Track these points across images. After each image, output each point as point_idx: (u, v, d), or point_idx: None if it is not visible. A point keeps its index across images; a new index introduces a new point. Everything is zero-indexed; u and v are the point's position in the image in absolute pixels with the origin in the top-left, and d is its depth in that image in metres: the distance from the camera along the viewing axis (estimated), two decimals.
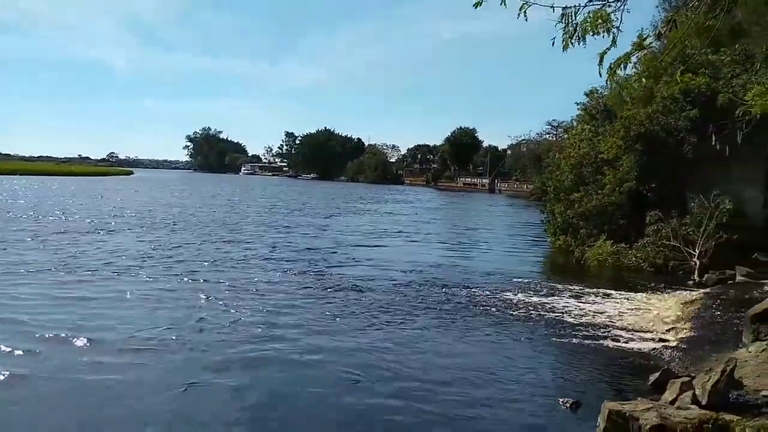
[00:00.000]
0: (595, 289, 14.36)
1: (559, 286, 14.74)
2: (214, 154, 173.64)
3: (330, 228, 29.26)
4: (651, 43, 6.13)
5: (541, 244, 25.27)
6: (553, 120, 75.25)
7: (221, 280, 14.11)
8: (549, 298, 13.31)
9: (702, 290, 13.96)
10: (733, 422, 5.30)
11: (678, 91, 18.04)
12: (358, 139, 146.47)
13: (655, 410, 5.53)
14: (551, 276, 16.79)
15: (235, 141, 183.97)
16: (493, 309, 12.16)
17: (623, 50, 5.52)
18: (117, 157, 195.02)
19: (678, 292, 14.05)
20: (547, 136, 76.39)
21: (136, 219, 28.60)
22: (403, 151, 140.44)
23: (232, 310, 11.22)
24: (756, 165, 17.49)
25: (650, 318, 11.51)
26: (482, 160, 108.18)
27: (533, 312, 11.97)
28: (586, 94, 25.34)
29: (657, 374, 7.74)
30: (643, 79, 19.01)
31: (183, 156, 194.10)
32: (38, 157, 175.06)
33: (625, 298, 13.47)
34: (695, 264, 16.11)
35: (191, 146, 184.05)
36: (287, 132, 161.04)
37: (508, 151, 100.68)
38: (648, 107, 18.99)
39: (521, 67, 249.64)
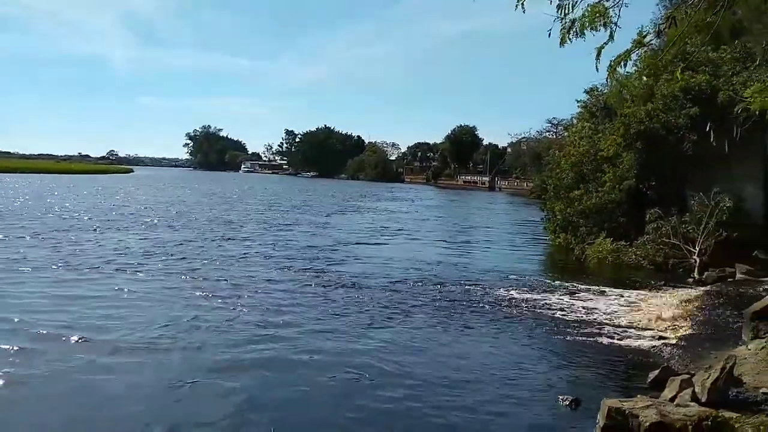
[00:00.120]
0: (594, 287, 14.37)
1: (559, 284, 14.76)
2: (214, 152, 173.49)
3: (330, 226, 29.28)
4: (651, 40, 6.11)
5: (541, 242, 25.28)
6: (554, 118, 75.36)
7: (221, 278, 14.12)
8: (548, 296, 13.32)
9: (702, 288, 13.99)
10: (733, 419, 5.31)
11: (678, 89, 18.02)
12: (358, 137, 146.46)
13: (654, 407, 5.54)
14: (551, 274, 16.79)
15: (235, 139, 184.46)
16: (493, 307, 12.18)
17: (623, 47, 5.51)
18: (117, 155, 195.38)
19: (678, 289, 14.06)
20: (547, 134, 76.63)
21: (136, 217, 28.61)
22: (404, 149, 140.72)
23: (232, 309, 11.23)
24: (756, 163, 17.48)
25: (650, 315, 11.51)
26: (482, 158, 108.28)
27: (533, 310, 12.00)
28: (587, 92, 25.28)
29: (657, 372, 7.76)
30: (644, 77, 18.95)
31: (183, 154, 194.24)
32: (38, 155, 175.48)
33: (624, 296, 13.48)
34: (695, 262, 16.12)
35: (191, 144, 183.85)
36: (287, 130, 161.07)
37: (508, 149, 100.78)
38: (648, 105, 18.97)
39: (521, 65, 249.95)
